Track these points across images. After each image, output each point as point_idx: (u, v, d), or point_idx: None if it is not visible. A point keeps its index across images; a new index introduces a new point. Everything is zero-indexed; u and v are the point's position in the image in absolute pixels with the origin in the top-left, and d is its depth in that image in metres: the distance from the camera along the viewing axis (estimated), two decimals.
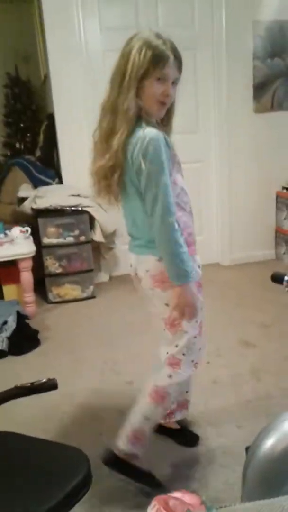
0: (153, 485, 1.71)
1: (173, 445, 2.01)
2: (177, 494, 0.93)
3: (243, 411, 2.19)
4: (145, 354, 2.66)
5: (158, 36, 1.49)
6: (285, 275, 1.34)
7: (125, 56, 1.48)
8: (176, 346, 1.65)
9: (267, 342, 2.86)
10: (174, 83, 1.51)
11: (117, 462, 1.74)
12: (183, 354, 1.65)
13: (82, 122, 3.58)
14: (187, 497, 0.92)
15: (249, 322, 3.13)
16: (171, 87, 1.49)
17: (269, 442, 1.28)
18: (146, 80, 1.46)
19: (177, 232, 1.46)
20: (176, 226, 1.46)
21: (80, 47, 3.58)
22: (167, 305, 1.59)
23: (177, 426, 2.04)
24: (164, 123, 1.62)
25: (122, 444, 1.73)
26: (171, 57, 1.47)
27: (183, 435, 2.03)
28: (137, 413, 1.75)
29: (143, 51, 1.44)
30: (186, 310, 1.54)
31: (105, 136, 1.52)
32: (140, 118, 1.49)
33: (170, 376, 1.68)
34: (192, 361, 1.69)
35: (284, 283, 1.34)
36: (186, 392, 1.93)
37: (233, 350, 2.78)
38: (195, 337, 1.65)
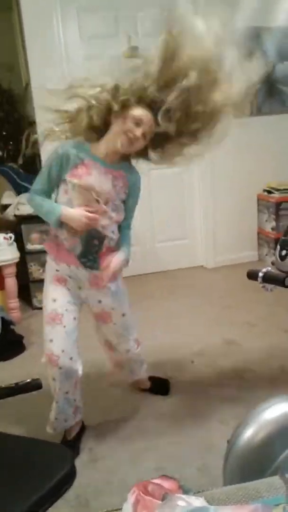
0: None
1: (158, 440, 2.04)
2: (156, 480, 0.96)
3: (227, 407, 2.23)
4: None
5: None
6: (259, 271, 1.38)
7: None
8: None
9: (251, 340, 2.91)
10: None
11: None
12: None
13: None
14: (166, 483, 0.96)
15: (233, 322, 3.18)
16: None
17: (248, 433, 1.32)
18: None
19: (37, 201, 1.89)
20: (34, 199, 1.89)
21: (61, 55, 3.63)
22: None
23: (146, 386, 2.39)
24: None
25: None
26: None
27: (155, 386, 2.39)
28: None
29: None
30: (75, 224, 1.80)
31: None
32: None
33: None
34: (45, 348, 1.94)
35: (259, 279, 1.38)
36: (53, 379, 1.97)
37: (218, 349, 2.82)
38: (44, 325, 1.94)
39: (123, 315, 2.08)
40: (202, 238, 4.31)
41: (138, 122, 1.74)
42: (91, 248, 1.86)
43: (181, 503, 0.80)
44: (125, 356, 2.20)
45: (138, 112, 1.74)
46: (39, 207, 1.88)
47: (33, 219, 3.50)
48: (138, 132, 1.75)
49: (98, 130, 1.82)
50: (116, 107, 1.72)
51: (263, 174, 4.23)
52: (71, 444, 2.01)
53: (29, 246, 3.54)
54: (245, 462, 1.30)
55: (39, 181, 1.89)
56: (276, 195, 4.10)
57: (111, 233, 1.89)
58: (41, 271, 3.60)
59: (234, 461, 1.32)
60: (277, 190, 4.13)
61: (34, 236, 3.55)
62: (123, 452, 2.01)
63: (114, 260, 1.86)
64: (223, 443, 1.78)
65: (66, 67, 3.64)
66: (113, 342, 2.15)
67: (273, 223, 4.12)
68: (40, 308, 3.57)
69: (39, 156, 3.86)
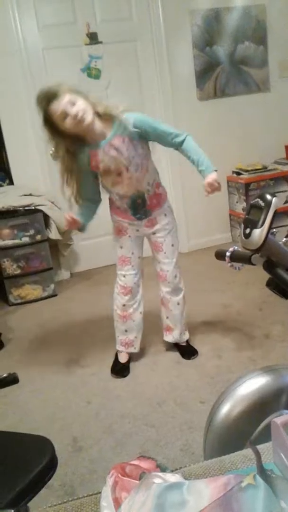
0: None
1: (141, 425, 2.07)
2: (134, 462, 0.98)
3: (206, 387, 2.27)
4: (107, 346, 2.72)
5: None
6: (226, 251, 1.40)
7: None
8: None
9: (226, 320, 2.96)
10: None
11: None
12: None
13: (27, 121, 3.57)
14: (144, 463, 0.98)
15: (209, 304, 3.22)
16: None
17: (224, 409, 1.35)
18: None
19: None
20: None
21: (19, 46, 3.55)
22: None
23: (167, 339, 2.65)
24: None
25: None
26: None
27: (181, 350, 2.64)
28: None
29: None
30: None
31: None
32: None
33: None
34: (118, 282, 2.45)
35: (226, 258, 1.40)
36: (123, 305, 2.47)
37: (195, 331, 2.85)
38: (117, 265, 2.42)
39: (172, 245, 2.46)
40: (174, 226, 4.31)
41: (63, 116, 1.94)
42: (138, 206, 2.25)
43: (157, 480, 0.81)
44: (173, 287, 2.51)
45: (55, 112, 1.94)
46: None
47: (3, 214, 3.47)
48: (71, 113, 1.93)
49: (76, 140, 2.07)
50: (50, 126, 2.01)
51: (231, 155, 4.26)
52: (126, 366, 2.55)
53: (1, 242, 3.50)
54: (223, 437, 1.33)
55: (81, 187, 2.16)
56: (245, 176, 4.14)
57: (147, 185, 2.23)
58: (14, 266, 3.57)
59: (213, 437, 1.35)
60: (246, 171, 4.16)
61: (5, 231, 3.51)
62: (106, 439, 2.03)
63: (208, 180, 2.20)
64: (203, 422, 1.82)
65: (25, 57, 3.57)
66: (163, 270, 2.48)
67: (244, 204, 4.16)
68: (17, 304, 3.58)
69: (4, 150, 3.80)
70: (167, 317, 2.58)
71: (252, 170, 4.14)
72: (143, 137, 2.11)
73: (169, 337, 2.62)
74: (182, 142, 2.18)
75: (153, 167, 2.27)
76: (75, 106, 1.94)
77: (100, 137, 2.05)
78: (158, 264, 2.49)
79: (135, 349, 2.55)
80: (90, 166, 2.11)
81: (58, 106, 1.93)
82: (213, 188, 2.18)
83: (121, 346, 2.54)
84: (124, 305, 2.45)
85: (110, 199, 2.33)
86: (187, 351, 2.62)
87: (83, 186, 2.13)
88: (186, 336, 2.63)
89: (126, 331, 2.50)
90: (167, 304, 2.54)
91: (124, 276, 2.42)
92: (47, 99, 1.94)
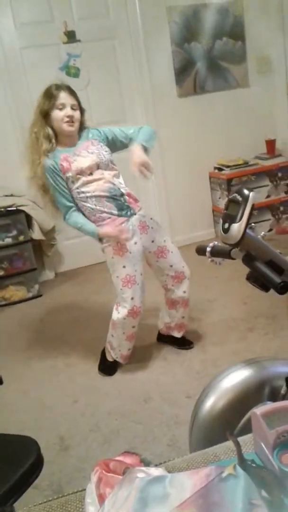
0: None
1: (128, 421, 2.07)
2: (118, 457, 0.99)
3: (192, 382, 2.29)
4: (94, 345, 2.72)
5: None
6: (207, 246, 1.41)
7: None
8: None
9: (211, 315, 2.98)
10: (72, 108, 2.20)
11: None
12: (118, 301, 2.32)
13: (6, 122, 3.53)
14: (128, 459, 0.98)
15: (193, 299, 3.22)
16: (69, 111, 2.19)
17: (208, 403, 1.37)
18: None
19: (73, 219, 2.22)
20: (70, 217, 2.23)
21: None
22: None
23: (178, 336, 2.63)
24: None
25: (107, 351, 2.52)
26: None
27: (179, 342, 2.64)
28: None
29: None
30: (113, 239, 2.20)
31: None
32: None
33: (116, 314, 2.34)
34: (125, 307, 2.27)
35: (207, 253, 1.41)
36: (133, 327, 2.37)
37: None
38: (121, 289, 2.25)
39: (172, 242, 2.47)
40: (158, 220, 4.32)
41: (61, 106, 2.17)
42: (119, 201, 2.24)
43: (140, 474, 0.82)
44: (186, 285, 2.50)
45: (59, 99, 2.17)
46: (77, 226, 2.23)
47: None
48: (68, 111, 2.17)
49: (52, 136, 2.22)
50: (46, 106, 2.18)
51: (212, 152, 4.28)
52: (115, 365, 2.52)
53: None
54: (208, 430, 1.34)
55: (59, 200, 2.23)
56: (227, 171, 4.16)
57: (119, 183, 2.28)
58: None
59: (198, 430, 1.37)
60: (227, 166, 4.18)
61: None
62: (94, 437, 2.03)
63: (134, 150, 2.19)
64: (189, 416, 1.84)
65: (2, 56, 3.54)
66: (179, 269, 2.45)
67: (226, 200, 4.18)
68: (1, 306, 3.56)
69: None
70: (183, 317, 2.57)
71: (233, 165, 4.17)
72: (105, 141, 2.30)
73: (181, 332, 2.62)
74: (139, 128, 2.33)
75: (118, 171, 2.33)
76: (76, 112, 2.20)
77: (72, 142, 2.25)
78: (169, 270, 2.42)
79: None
80: (61, 169, 2.19)
81: (62, 95, 2.18)
82: (142, 166, 2.15)
83: (122, 359, 2.49)
84: (134, 326, 2.36)
85: (90, 216, 2.26)
86: (184, 341, 2.64)
87: (63, 193, 2.22)
88: None
89: (129, 349, 2.47)
90: (186, 302, 2.53)
91: (132, 298, 2.26)
92: (58, 87, 2.19)
